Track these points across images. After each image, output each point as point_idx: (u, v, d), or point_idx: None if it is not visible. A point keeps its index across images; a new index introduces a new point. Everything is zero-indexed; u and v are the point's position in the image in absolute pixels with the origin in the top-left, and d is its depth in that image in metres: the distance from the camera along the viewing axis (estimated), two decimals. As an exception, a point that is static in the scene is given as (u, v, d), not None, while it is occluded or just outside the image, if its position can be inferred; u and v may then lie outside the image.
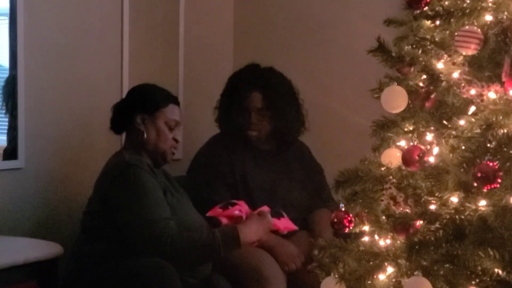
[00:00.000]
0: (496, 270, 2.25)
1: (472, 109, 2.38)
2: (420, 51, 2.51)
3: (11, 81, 3.25)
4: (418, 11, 2.51)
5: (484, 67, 2.40)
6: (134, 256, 2.83)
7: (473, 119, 2.33)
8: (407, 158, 2.43)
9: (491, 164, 2.21)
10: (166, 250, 2.82)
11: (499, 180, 2.21)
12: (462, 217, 2.29)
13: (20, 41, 3.23)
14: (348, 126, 3.93)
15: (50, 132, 3.40)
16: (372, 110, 2.61)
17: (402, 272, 2.42)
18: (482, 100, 2.33)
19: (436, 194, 2.35)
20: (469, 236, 2.32)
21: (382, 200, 2.48)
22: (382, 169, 2.56)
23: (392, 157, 2.56)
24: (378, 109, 2.60)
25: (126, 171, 2.93)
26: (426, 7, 2.47)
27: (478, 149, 2.29)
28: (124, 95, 3.34)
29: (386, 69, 2.62)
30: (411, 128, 2.57)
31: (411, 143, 2.51)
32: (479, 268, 2.26)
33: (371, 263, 2.50)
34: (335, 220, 2.60)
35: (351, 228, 2.59)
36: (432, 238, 2.35)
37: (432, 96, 2.50)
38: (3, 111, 3.28)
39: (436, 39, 2.50)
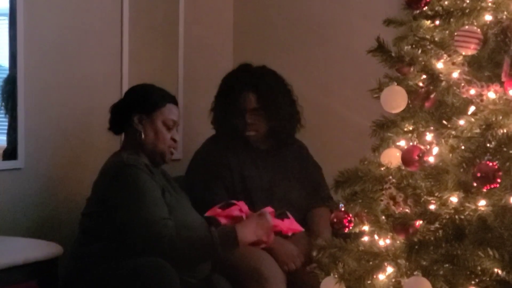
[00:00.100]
0: (495, 270, 2.25)
1: (472, 109, 2.38)
2: (419, 51, 2.51)
3: (11, 81, 3.25)
4: (418, 11, 2.51)
5: (484, 67, 2.40)
6: (134, 256, 2.83)
7: (472, 119, 2.33)
8: (406, 158, 2.43)
9: (490, 164, 2.21)
10: (165, 250, 2.83)
11: (499, 180, 2.21)
12: (462, 217, 2.29)
13: (20, 41, 3.23)
14: (348, 126, 3.93)
15: (50, 132, 3.40)
16: (372, 110, 2.61)
17: (402, 272, 2.41)
18: (481, 100, 2.33)
19: (436, 194, 2.34)
20: (469, 236, 2.32)
21: (381, 200, 2.48)
22: (382, 169, 2.56)
23: (391, 157, 2.56)
24: (378, 109, 2.60)
25: (124, 172, 2.93)
26: (426, 7, 2.47)
27: (477, 149, 2.28)
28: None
29: (386, 69, 2.62)
30: (410, 128, 2.57)
31: (411, 143, 2.51)
32: (479, 268, 2.27)
33: (370, 263, 2.50)
34: (335, 220, 2.60)
35: (350, 228, 2.59)
36: (432, 238, 2.35)
37: (432, 96, 2.50)
38: (3, 112, 3.28)
39: (436, 39, 2.50)
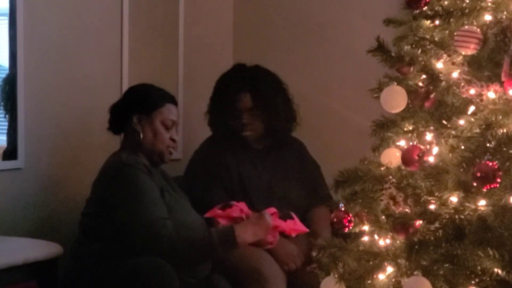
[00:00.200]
0: (495, 269, 2.25)
1: (472, 108, 2.38)
2: (419, 51, 2.51)
3: (11, 81, 3.25)
4: (418, 11, 2.51)
5: (484, 67, 2.40)
6: (134, 256, 2.83)
7: (472, 119, 2.33)
8: (406, 158, 2.43)
9: (490, 163, 2.21)
10: (164, 250, 2.83)
11: (499, 180, 2.21)
12: (462, 217, 2.29)
13: (20, 41, 3.22)
14: (348, 126, 3.93)
15: (50, 132, 3.40)
16: (372, 110, 2.61)
17: (402, 272, 2.41)
18: (481, 100, 2.33)
19: (436, 194, 2.34)
20: (469, 236, 2.32)
21: (381, 200, 2.48)
22: (382, 169, 2.56)
23: (391, 157, 2.56)
24: (378, 109, 2.60)
25: (123, 172, 2.94)
26: (426, 7, 2.48)
27: (477, 149, 2.28)
28: (124, 95, 3.34)
29: (386, 69, 2.63)
30: (410, 128, 2.57)
31: (411, 143, 2.51)
32: (479, 267, 2.27)
33: (370, 263, 2.50)
34: (335, 219, 2.60)
35: (350, 228, 2.59)
36: (432, 238, 2.35)
37: (432, 95, 2.50)
38: (3, 112, 3.28)
39: (436, 39, 2.50)
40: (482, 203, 2.27)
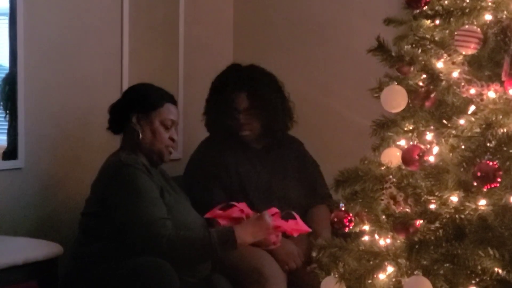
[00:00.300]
0: (496, 269, 2.25)
1: (472, 108, 2.38)
2: (419, 51, 2.51)
3: (11, 81, 3.25)
4: (418, 11, 2.52)
5: (484, 67, 2.40)
6: (133, 256, 2.83)
7: (473, 119, 2.33)
8: (407, 157, 2.43)
9: (491, 163, 2.21)
10: (164, 250, 2.82)
11: (499, 179, 2.21)
12: (462, 216, 2.29)
13: (20, 41, 3.23)
14: (348, 126, 3.93)
15: (50, 132, 3.40)
16: (372, 110, 2.61)
17: (402, 271, 2.41)
18: (482, 100, 2.33)
19: (436, 194, 2.35)
20: (469, 235, 2.32)
21: (382, 200, 2.48)
22: (382, 168, 2.56)
23: (392, 156, 2.56)
24: (378, 109, 2.60)
25: (122, 171, 2.93)
26: (426, 7, 2.48)
27: (478, 149, 2.29)
28: (124, 95, 3.34)
29: (386, 69, 2.63)
30: (411, 128, 2.58)
31: (411, 143, 2.51)
32: (479, 267, 2.27)
33: (371, 262, 2.50)
34: (335, 219, 2.60)
35: (351, 227, 2.59)
36: (432, 238, 2.35)
37: (432, 95, 2.50)
38: (3, 111, 3.28)
39: (436, 38, 2.50)
40: (482, 202, 2.27)
